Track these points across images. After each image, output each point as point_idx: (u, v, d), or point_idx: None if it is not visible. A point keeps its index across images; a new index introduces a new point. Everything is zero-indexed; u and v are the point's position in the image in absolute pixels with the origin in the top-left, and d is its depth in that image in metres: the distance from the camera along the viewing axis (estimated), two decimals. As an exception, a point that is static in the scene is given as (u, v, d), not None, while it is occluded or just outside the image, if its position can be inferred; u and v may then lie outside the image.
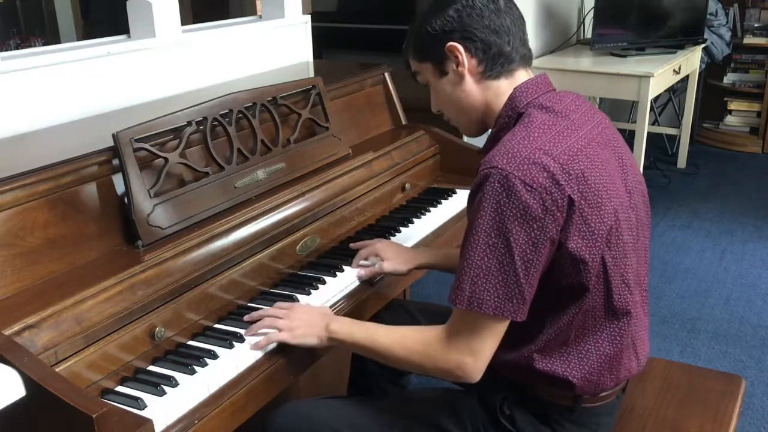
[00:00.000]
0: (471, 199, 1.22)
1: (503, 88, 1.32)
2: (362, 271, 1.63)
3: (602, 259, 1.22)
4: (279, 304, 1.45)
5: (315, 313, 1.40)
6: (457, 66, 1.31)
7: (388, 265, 1.62)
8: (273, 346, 1.36)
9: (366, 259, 1.66)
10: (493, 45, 1.29)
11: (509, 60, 1.30)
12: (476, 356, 1.21)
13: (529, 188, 1.14)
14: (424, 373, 1.30)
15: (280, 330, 1.36)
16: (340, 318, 1.41)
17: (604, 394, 1.34)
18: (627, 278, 1.27)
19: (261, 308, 1.47)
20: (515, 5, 1.33)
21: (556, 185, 1.16)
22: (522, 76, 1.33)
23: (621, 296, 1.26)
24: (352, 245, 1.70)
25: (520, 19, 1.33)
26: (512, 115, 1.30)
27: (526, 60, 1.34)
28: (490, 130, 1.38)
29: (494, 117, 1.33)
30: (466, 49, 1.29)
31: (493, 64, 1.30)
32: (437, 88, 1.37)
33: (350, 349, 1.38)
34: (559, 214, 1.16)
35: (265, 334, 1.37)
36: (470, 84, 1.32)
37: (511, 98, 1.30)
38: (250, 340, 1.36)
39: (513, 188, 1.14)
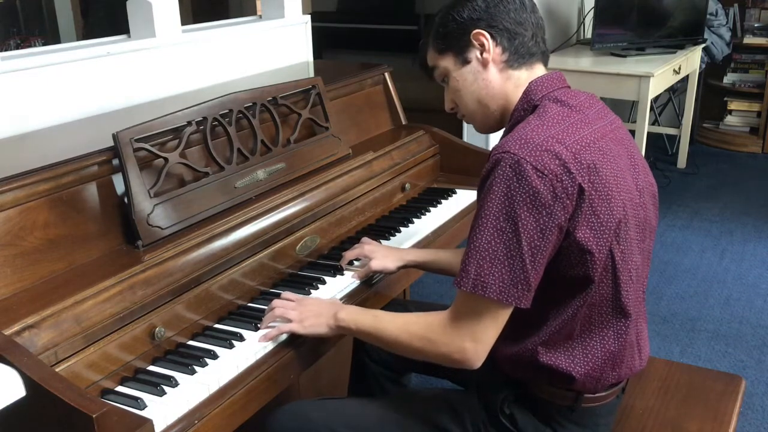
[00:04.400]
0: (482, 183, 1.22)
1: (523, 79, 1.33)
2: (355, 273, 1.63)
3: (610, 252, 1.22)
4: (288, 294, 1.47)
5: (324, 304, 1.43)
6: (482, 54, 1.33)
7: (376, 264, 1.62)
8: (284, 337, 1.39)
9: (355, 260, 1.66)
10: (518, 35, 1.32)
11: (531, 53, 1.34)
12: (477, 342, 1.21)
13: (540, 174, 1.15)
14: (426, 358, 1.30)
15: (290, 321, 1.39)
16: (347, 306, 1.42)
17: (604, 393, 1.34)
18: (633, 275, 1.27)
19: (261, 308, 1.48)
20: (537, 10, 1.36)
21: (567, 173, 1.16)
22: (540, 70, 1.36)
23: (628, 293, 1.27)
24: (344, 253, 1.69)
25: (541, 21, 1.37)
26: (528, 108, 1.31)
27: (546, 56, 1.37)
28: (503, 130, 1.38)
29: (510, 111, 1.35)
30: (492, 36, 1.31)
31: (516, 53, 1.33)
32: (457, 78, 1.37)
33: (358, 336, 1.39)
34: (568, 201, 1.16)
35: (273, 327, 1.39)
36: (493, 72, 1.34)
37: (527, 91, 1.32)
38: (261, 331, 1.39)
39: (524, 173, 1.15)
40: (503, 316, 1.21)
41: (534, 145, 1.17)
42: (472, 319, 1.21)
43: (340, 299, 1.56)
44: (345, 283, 1.60)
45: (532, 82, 1.32)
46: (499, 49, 1.32)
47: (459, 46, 1.34)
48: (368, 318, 1.36)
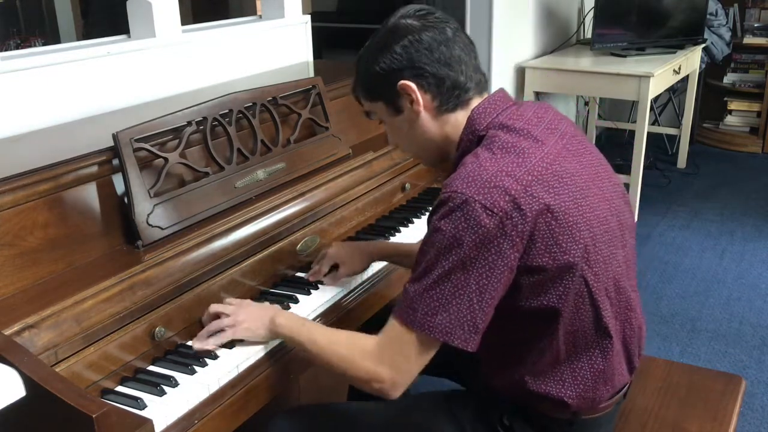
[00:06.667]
0: (430, 217, 1.19)
1: (460, 119, 1.28)
2: (330, 284, 1.59)
3: (583, 279, 1.19)
4: (228, 300, 1.43)
5: (261, 308, 1.39)
6: (412, 104, 1.26)
7: (344, 270, 1.59)
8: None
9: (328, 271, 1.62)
10: (446, 78, 1.24)
11: (464, 90, 1.26)
12: (399, 373, 1.18)
13: (489, 213, 1.11)
14: (346, 379, 1.27)
15: (226, 328, 1.35)
16: (286, 312, 1.39)
17: (602, 405, 1.31)
18: (611, 292, 1.25)
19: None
20: (463, 32, 1.29)
21: (517, 210, 1.12)
22: (477, 101, 1.29)
23: (608, 311, 1.24)
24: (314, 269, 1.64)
25: (470, 45, 1.28)
26: (473, 138, 1.26)
27: (481, 86, 1.30)
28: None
29: (454, 145, 1.30)
30: (419, 86, 1.24)
31: (449, 97, 1.26)
32: (392, 126, 1.34)
33: (289, 344, 1.35)
34: (518, 239, 1.13)
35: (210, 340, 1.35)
36: (427, 120, 1.28)
37: (470, 121, 1.26)
38: (198, 344, 1.35)
39: (473, 213, 1.11)
40: (432, 353, 1.19)
41: (482, 182, 1.13)
42: (401, 351, 1.18)
43: (339, 299, 1.56)
44: (345, 283, 1.60)
45: (474, 110, 1.26)
46: (428, 97, 1.25)
47: (388, 97, 1.28)
48: (303, 329, 1.32)
